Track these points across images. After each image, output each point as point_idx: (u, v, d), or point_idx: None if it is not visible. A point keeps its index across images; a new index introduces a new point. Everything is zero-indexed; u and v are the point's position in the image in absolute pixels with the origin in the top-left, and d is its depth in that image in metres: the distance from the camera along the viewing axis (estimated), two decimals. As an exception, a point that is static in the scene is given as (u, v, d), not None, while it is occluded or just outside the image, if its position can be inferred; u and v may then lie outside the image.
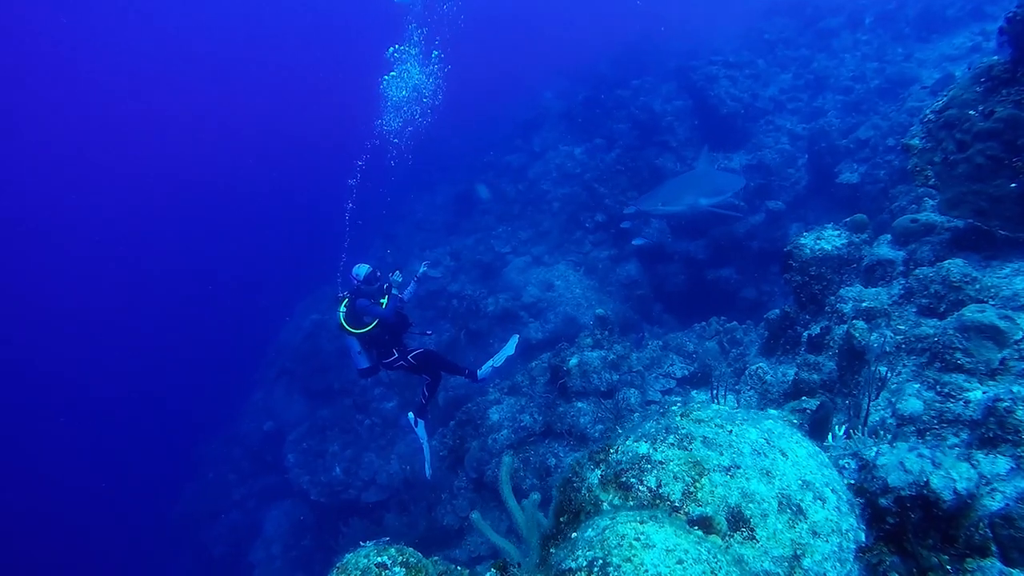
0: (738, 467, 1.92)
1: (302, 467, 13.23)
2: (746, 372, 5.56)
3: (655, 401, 7.67)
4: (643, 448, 2.11)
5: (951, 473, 2.55)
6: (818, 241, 6.52)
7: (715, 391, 5.95)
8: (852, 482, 3.12)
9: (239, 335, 21.27)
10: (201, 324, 26.67)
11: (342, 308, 7.62)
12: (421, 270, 8.18)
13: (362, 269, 7.64)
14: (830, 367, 5.11)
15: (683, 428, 2.18)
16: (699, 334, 9.78)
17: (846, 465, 3.27)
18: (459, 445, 9.76)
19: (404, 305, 7.84)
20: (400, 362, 7.64)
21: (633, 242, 11.63)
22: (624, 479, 2.01)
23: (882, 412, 4.23)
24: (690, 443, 2.07)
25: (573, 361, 8.44)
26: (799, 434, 2.23)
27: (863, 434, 3.73)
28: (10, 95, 34.67)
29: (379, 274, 7.70)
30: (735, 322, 8.90)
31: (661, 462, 1.99)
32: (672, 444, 2.09)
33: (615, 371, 8.17)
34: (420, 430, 8.21)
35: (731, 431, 2.12)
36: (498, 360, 8.13)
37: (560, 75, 23.35)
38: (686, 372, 8.17)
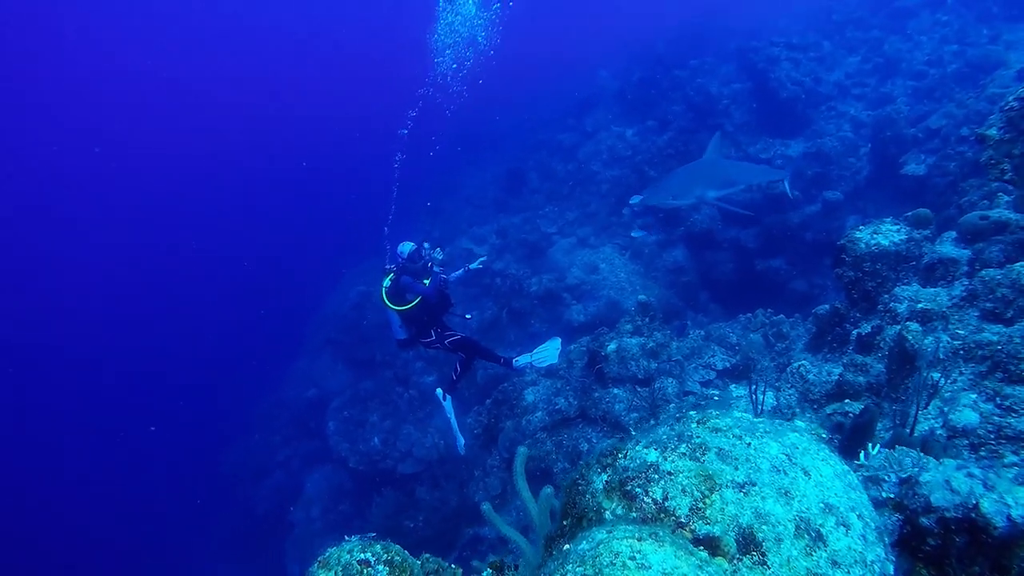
0: (753, 484, 1.74)
1: (342, 435, 13.48)
2: (787, 369, 5.28)
3: (693, 392, 7.43)
4: (652, 456, 1.95)
5: (1006, 498, 2.30)
6: (875, 235, 6.12)
7: (753, 387, 5.70)
8: (891, 496, 2.89)
9: (289, 303, 21.77)
10: (254, 292, 27.42)
11: (386, 282, 7.59)
12: (474, 265, 8.06)
13: (406, 246, 7.59)
14: (878, 369, 4.80)
15: (698, 437, 2.01)
16: (744, 325, 9.43)
17: (886, 477, 3.03)
18: (494, 424, 9.73)
19: (447, 285, 7.75)
20: (436, 344, 7.58)
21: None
22: (629, 488, 1.86)
23: (932, 422, 3.93)
24: (703, 454, 1.90)
25: (611, 347, 8.25)
26: (826, 450, 2.03)
27: (908, 444, 3.47)
28: (83, 80, 35.98)
29: (423, 252, 7.63)
30: (782, 315, 8.52)
31: (670, 473, 1.83)
32: (684, 454, 1.92)
33: (654, 359, 7.95)
34: (448, 405, 8.15)
35: (750, 444, 1.94)
36: (539, 363, 7.82)
37: (617, 54, 22.77)
38: (727, 364, 7.87)
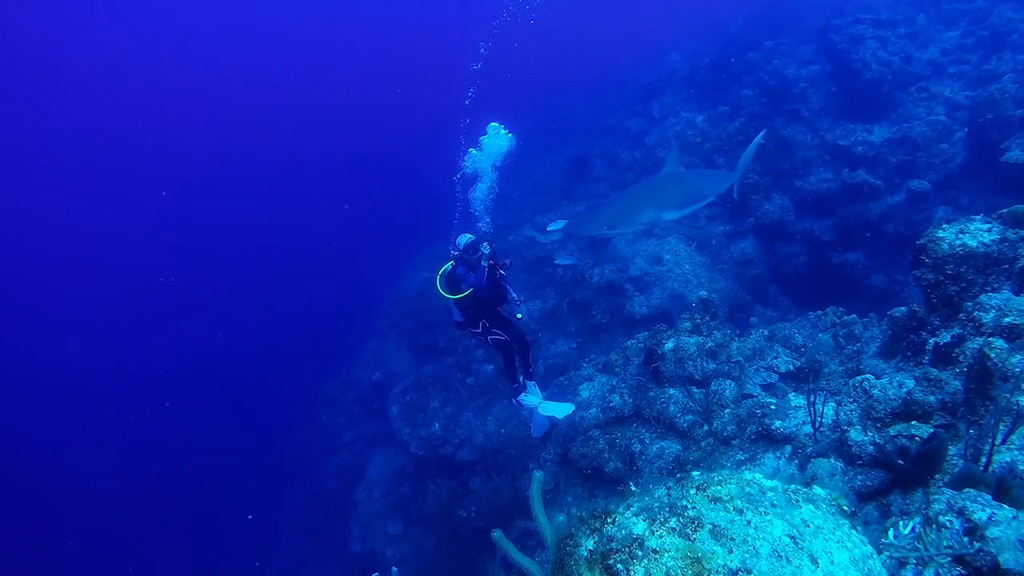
0: (748, 572, 1.51)
1: (404, 419, 13.67)
2: (850, 382, 4.87)
3: (752, 395, 7.03)
4: (640, 528, 1.75)
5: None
6: (960, 235, 5.55)
7: (811, 398, 5.31)
8: (952, 545, 2.56)
9: (363, 286, 22.25)
10: (330, 276, 28.22)
11: (441, 270, 7.56)
12: (518, 314, 7.77)
13: (464, 238, 7.51)
14: (955, 387, 4.34)
15: (692, 508, 1.79)
16: (813, 324, 8.89)
17: (948, 524, 2.69)
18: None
19: (504, 280, 7.57)
20: (481, 336, 7.49)
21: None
22: (611, 562, 1.67)
23: (1015, 453, 3.50)
24: (696, 531, 1.68)
25: (669, 345, 7.93)
26: (846, 528, 1.76)
27: (981, 482, 3.08)
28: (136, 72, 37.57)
29: (479, 246, 7.53)
30: (854, 315, 7.95)
31: (655, 551, 1.63)
32: (674, 529, 1.71)
33: (712, 360, 7.59)
34: (530, 399, 8.06)
35: (750, 521, 1.70)
36: (541, 413, 7.58)
37: (690, 36, 21.86)
38: (791, 367, 7.42)
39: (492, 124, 7.90)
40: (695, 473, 2.02)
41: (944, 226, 5.76)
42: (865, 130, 12.69)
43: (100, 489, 19.38)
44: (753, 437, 5.97)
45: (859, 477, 4.49)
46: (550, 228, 7.47)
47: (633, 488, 2.15)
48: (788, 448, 5.56)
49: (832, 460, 4.84)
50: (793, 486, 2.01)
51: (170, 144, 38.51)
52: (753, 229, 12.41)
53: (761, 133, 8.89)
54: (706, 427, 6.59)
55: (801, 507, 1.78)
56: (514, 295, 7.70)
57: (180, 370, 23.65)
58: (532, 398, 7.65)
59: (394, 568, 5.12)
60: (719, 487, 1.86)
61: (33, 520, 19.00)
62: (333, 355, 17.87)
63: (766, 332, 8.00)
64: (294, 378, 18.82)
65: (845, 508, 1.95)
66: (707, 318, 8.14)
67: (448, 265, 7.48)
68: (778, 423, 5.76)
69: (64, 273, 32.04)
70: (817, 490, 2.02)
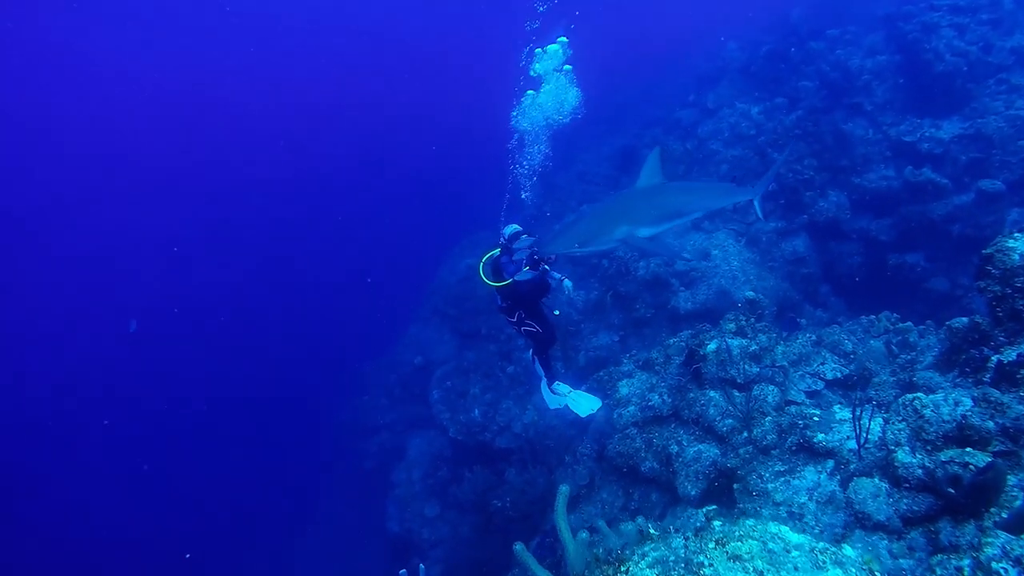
0: None
1: (444, 404, 13.76)
2: (899, 401, 4.57)
3: (796, 402, 6.73)
4: None
5: None
6: (1033, 245, 5.14)
7: (857, 413, 5.03)
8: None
9: (404, 271, 22.43)
10: (371, 261, 28.57)
11: (486, 256, 7.51)
12: (566, 286, 7.65)
13: (510, 228, 7.45)
14: (1018, 412, 4.02)
15: (709, 566, 1.64)
16: (865, 329, 8.48)
17: (1002, 572, 2.46)
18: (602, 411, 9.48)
19: (546, 274, 7.47)
20: (516, 326, 7.48)
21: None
22: None
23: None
24: None
25: (711, 347, 7.67)
26: None
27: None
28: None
29: (524, 236, 7.45)
30: (910, 322, 7.53)
31: None
32: None
33: (755, 363, 7.30)
34: (554, 392, 8.02)
35: None
36: (569, 406, 7.71)
37: (748, 23, 21.00)
38: (839, 374, 7.06)
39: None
40: (716, 523, 1.87)
41: (1016, 235, 5.34)
42: (933, 125, 11.96)
43: (154, 464, 20.22)
44: (794, 448, 5.70)
45: (905, 501, 4.23)
46: (515, 246, 6.87)
47: (652, 531, 2.02)
48: (830, 463, 5.29)
49: (876, 480, 4.58)
50: (821, 544, 1.84)
51: (225, 135, 39.26)
52: (806, 227, 11.90)
53: (787, 150, 8.11)
54: (745, 434, 6.34)
55: (828, 571, 1.62)
56: (557, 275, 7.59)
57: (233, 350, 24.36)
58: (559, 388, 7.83)
59: (421, 565, 5.10)
60: (740, 543, 1.70)
61: (103, 488, 19.86)
62: (376, 338, 18.10)
63: (813, 337, 7.64)
64: (338, 358, 19.16)
65: (877, 574, 1.77)
66: (752, 320, 7.83)
67: (495, 251, 7.46)
68: (821, 436, 5.48)
69: (127, 258, 33.01)
70: (847, 551, 1.84)
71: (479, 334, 15.03)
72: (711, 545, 1.73)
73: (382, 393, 16.20)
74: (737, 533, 1.77)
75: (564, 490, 2.81)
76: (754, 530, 1.77)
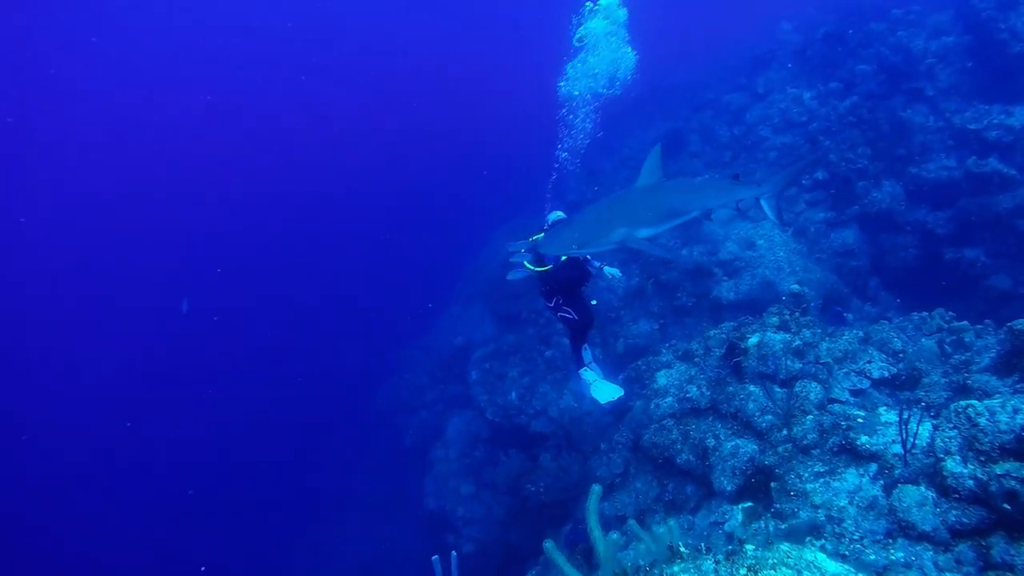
0: None
1: (482, 385, 13.84)
2: (951, 407, 4.36)
3: (840, 400, 6.51)
4: None
5: None
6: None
7: (904, 415, 4.82)
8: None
9: (447, 253, 22.51)
10: (412, 242, 28.68)
11: (533, 239, 7.53)
12: (608, 273, 7.49)
13: (553, 215, 7.40)
14: (1082, 426, 3.78)
15: None
16: (917, 326, 8.13)
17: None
18: (623, 401, 9.39)
19: (587, 263, 7.41)
20: (552, 311, 7.48)
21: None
22: None
23: None
24: None
25: (753, 340, 7.48)
26: None
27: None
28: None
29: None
30: (966, 321, 7.18)
31: None
32: None
33: (798, 359, 7.09)
34: (588, 375, 7.98)
35: None
36: (594, 391, 7.59)
37: (806, 2, 20.11)
38: (886, 373, 6.79)
39: None
40: (749, 548, 1.79)
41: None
42: (1004, 112, 11.25)
43: (203, 443, 20.90)
44: (835, 449, 5.52)
45: (953, 512, 4.05)
46: (510, 248, 6.58)
47: (682, 549, 1.96)
48: (874, 467, 5.10)
49: (923, 488, 4.40)
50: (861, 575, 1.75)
51: (270, 126, 39.49)
52: (857, 217, 11.44)
53: (815, 155, 7.18)
54: (785, 432, 6.17)
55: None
56: (596, 264, 7.53)
57: (281, 332, 24.85)
58: (591, 374, 7.69)
59: (453, 553, 5.15)
60: (773, 572, 1.63)
61: (153, 467, 20.57)
62: (419, 319, 18.28)
63: (860, 333, 7.35)
64: (382, 338, 19.45)
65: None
66: (796, 315, 7.59)
67: (538, 236, 7.44)
68: (864, 438, 5.29)
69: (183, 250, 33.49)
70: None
71: (519, 317, 15.03)
72: (743, 572, 1.66)
73: (423, 372, 16.40)
74: (771, 560, 1.69)
75: (597, 490, 2.77)
76: (788, 556, 1.70)
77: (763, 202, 7.00)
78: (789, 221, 11.97)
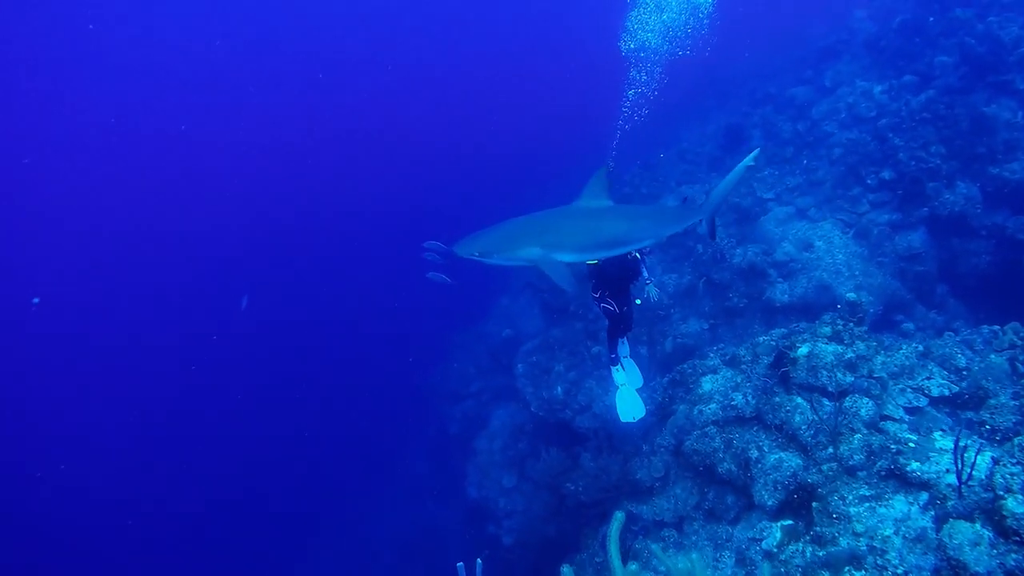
0: None
1: (528, 378, 13.75)
2: (1015, 442, 3.99)
3: (893, 418, 6.11)
4: None
5: None
6: None
7: (962, 444, 4.46)
8: None
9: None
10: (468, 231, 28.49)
11: None
12: (650, 290, 7.27)
13: None
14: None
15: None
16: (986, 341, 7.59)
17: None
18: (667, 404, 9.18)
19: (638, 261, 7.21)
20: (596, 302, 7.36)
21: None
22: None
23: None
24: None
25: (803, 350, 7.12)
26: None
27: None
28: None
29: None
30: (1044, 339, 6.61)
31: None
32: None
33: (850, 372, 6.69)
34: (618, 376, 7.85)
35: None
36: (623, 387, 7.56)
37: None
38: (946, 391, 6.33)
39: None
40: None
41: None
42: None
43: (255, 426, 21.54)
44: (883, 473, 5.18)
45: (1013, 556, 3.73)
46: (426, 244, 6.13)
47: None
48: (924, 496, 4.76)
49: (978, 526, 4.06)
50: None
51: (314, 119, 39.75)
52: (926, 220, 10.70)
53: (753, 154, 6.51)
54: (831, 449, 5.84)
55: None
56: (646, 274, 7.36)
57: (334, 320, 25.19)
58: (621, 376, 7.60)
59: (479, 560, 5.10)
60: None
61: (191, 462, 21.21)
62: (468, 308, 18.31)
63: (920, 347, 6.88)
64: (432, 327, 19.60)
65: None
66: (851, 325, 7.16)
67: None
68: (915, 464, 4.94)
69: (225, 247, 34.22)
70: None
71: (567, 311, 14.85)
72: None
73: (470, 362, 16.45)
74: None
75: (620, 516, 2.65)
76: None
77: (705, 225, 6.60)
78: (851, 222, 11.33)
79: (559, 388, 13.30)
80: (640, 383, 7.77)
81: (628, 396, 7.54)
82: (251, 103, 38.14)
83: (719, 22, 13.21)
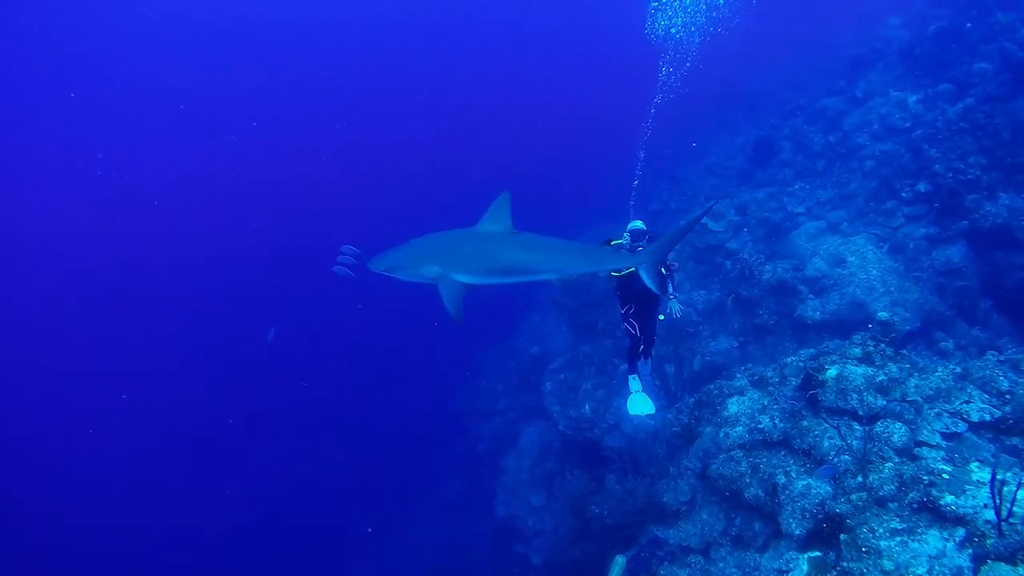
0: None
1: (556, 396, 13.58)
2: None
3: (929, 444, 5.79)
4: None
5: None
6: None
7: (999, 478, 4.17)
8: None
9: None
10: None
11: (613, 243, 7.39)
12: (672, 306, 7.22)
13: (633, 224, 7.02)
14: None
15: None
16: (1032, 361, 7.15)
17: None
18: (693, 426, 8.92)
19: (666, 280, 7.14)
20: (622, 316, 7.31)
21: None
22: None
23: None
24: None
25: (831, 372, 6.84)
26: None
27: None
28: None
29: (645, 234, 7.14)
30: (1093, 361, 6.21)
31: None
32: None
33: (882, 396, 6.39)
34: (634, 383, 7.72)
35: None
36: (636, 392, 7.43)
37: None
38: (987, 416, 5.98)
39: None
40: None
41: None
42: None
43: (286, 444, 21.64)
44: (915, 506, 4.89)
45: (1052, 602, 3.44)
46: (343, 248, 6.13)
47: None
48: (961, 532, 4.46)
49: (1021, 570, 3.77)
50: None
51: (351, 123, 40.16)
52: (966, 233, 10.23)
53: (712, 204, 6.09)
54: (860, 478, 5.55)
55: None
56: (671, 289, 7.22)
57: (363, 335, 25.21)
58: (637, 384, 7.52)
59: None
60: None
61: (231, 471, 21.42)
62: (497, 325, 18.20)
63: (958, 369, 6.53)
64: (460, 343, 19.52)
65: None
66: (882, 346, 6.85)
67: (619, 241, 7.29)
68: (950, 498, 4.64)
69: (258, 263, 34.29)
70: None
71: (595, 328, 14.66)
72: None
73: (499, 380, 16.34)
74: None
75: (620, 561, 2.52)
76: None
77: (641, 272, 6.23)
78: (885, 236, 10.93)
79: (587, 406, 13.11)
80: (652, 410, 7.61)
81: (639, 397, 7.46)
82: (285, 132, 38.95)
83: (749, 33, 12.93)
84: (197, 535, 18.41)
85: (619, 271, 6.98)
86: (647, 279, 5.94)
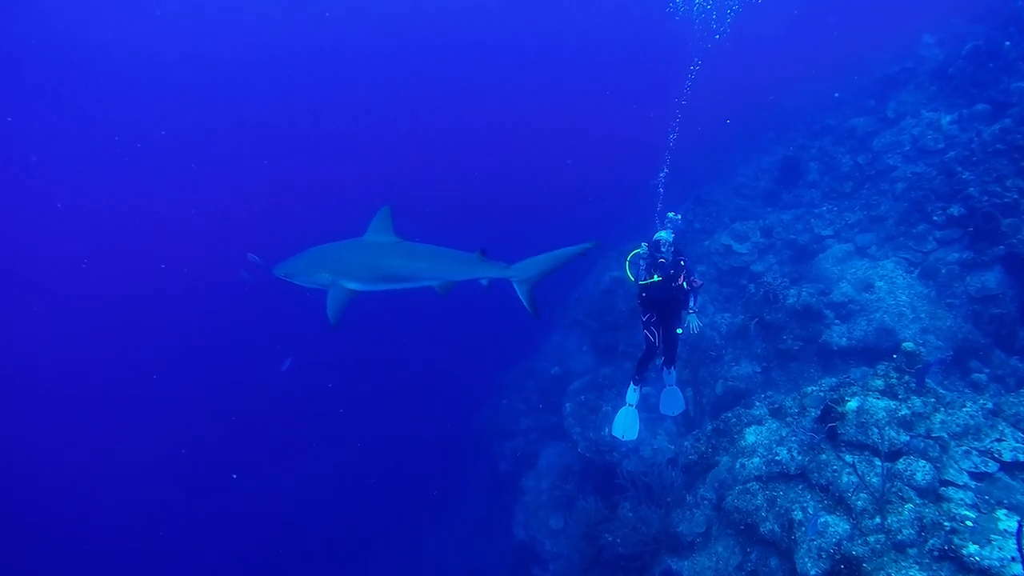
0: None
1: (576, 418, 13.35)
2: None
3: (954, 483, 5.45)
4: None
5: None
6: None
7: (1023, 526, 3.86)
8: None
9: (552, 278, 22.01)
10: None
11: (633, 252, 7.39)
12: (691, 320, 7.28)
13: (659, 235, 7.22)
14: None
15: None
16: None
17: None
18: (710, 454, 8.65)
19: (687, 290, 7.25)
20: (644, 323, 7.40)
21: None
22: None
23: None
24: None
25: (852, 404, 6.52)
26: None
27: None
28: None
29: (664, 247, 7.12)
30: None
31: None
32: None
33: (905, 431, 6.04)
34: (631, 396, 7.94)
35: None
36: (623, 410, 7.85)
37: (954, 11, 17.76)
38: (1021, 456, 5.60)
39: None
40: None
41: None
42: None
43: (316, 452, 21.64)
44: (936, 554, 4.57)
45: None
46: (249, 257, 6.23)
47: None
48: (984, 585, 4.14)
49: (1040, 630, 3.46)
50: None
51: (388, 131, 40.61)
52: (1002, 259, 9.72)
53: (586, 245, 6.25)
54: (878, 519, 5.23)
55: None
56: (692, 304, 7.33)
57: (385, 352, 25.15)
58: (634, 397, 7.88)
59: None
60: None
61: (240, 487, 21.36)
62: (518, 344, 18.03)
63: (989, 404, 6.15)
64: (482, 362, 19.40)
65: None
66: (906, 378, 6.50)
67: (641, 249, 7.32)
68: (973, 547, 4.31)
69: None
70: None
71: (616, 349, 14.41)
72: None
73: (520, 399, 16.14)
74: None
75: None
76: None
77: (515, 287, 6.24)
78: (916, 261, 10.48)
79: (606, 429, 12.83)
80: (634, 436, 7.86)
81: (630, 416, 7.70)
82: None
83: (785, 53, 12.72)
84: (219, 552, 18.51)
85: (646, 280, 7.12)
86: (519, 293, 6.25)
